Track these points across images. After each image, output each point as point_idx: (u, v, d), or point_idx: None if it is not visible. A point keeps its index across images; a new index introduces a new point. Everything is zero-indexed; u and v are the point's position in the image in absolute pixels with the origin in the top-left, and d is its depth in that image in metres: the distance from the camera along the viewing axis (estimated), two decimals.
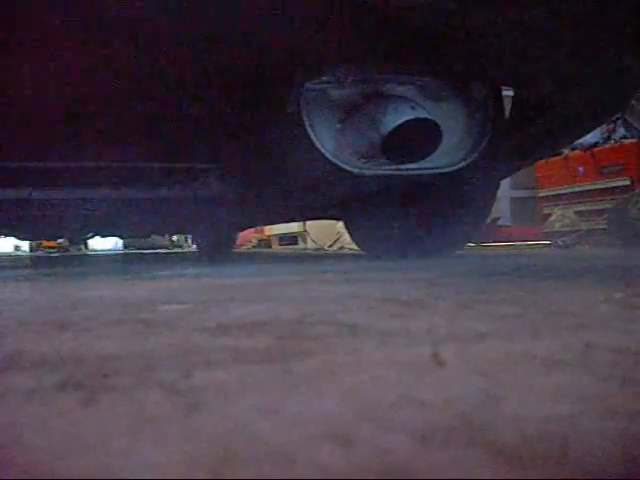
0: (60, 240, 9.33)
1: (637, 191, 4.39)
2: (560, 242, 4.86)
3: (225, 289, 1.38)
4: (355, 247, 4.08)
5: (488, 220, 4.06)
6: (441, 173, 2.21)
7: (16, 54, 1.70)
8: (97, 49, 1.69)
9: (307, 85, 1.95)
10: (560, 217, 5.60)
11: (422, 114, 1.95)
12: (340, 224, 5.21)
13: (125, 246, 11.10)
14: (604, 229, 4.60)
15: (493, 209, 3.39)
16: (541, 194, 6.22)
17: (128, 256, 5.74)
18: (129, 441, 0.37)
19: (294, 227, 7.10)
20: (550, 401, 0.43)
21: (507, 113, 2.30)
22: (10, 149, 2.31)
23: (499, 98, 2.26)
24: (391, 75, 2.02)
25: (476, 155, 2.19)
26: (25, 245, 11.16)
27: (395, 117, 1.93)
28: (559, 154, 5.64)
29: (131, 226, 4.68)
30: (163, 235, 8.68)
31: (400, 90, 2.03)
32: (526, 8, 1.54)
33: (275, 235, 7.97)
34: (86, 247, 10.85)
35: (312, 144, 1.99)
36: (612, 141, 5.40)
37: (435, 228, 3.05)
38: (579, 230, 5.12)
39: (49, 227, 3.97)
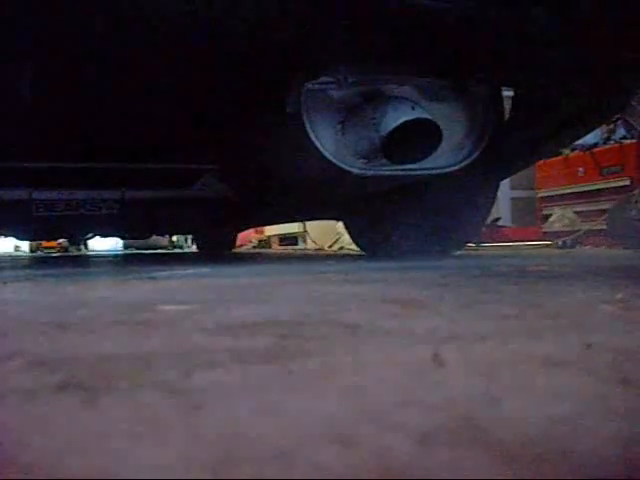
0: (60, 240, 9.33)
1: (637, 191, 4.39)
2: (560, 242, 4.86)
3: (225, 289, 1.38)
4: (355, 247, 4.08)
5: (488, 220, 4.06)
6: (441, 173, 2.21)
7: (16, 57, 1.70)
8: (97, 49, 1.69)
9: (307, 85, 1.95)
10: (560, 217, 5.60)
11: (422, 114, 1.95)
12: (340, 224, 5.21)
13: (125, 246, 11.09)
14: (604, 229, 4.60)
15: (493, 209, 3.39)
16: (541, 194, 6.23)
17: (128, 256, 5.74)
18: (129, 442, 0.37)
19: (294, 227, 7.10)
20: (551, 402, 0.43)
21: (507, 113, 2.30)
22: (11, 150, 2.31)
23: (499, 98, 2.26)
24: (391, 75, 2.02)
25: (476, 155, 2.19)
26: (25, 245, 11.15)
27: (395, 117, 1.93)
28: (559, 154, 5.64)
29: (131, 227, 4.69)
30: (163, 235, 8.68)
31: (400, 90, 2.03)
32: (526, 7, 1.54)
33: (275, 235, 7.97)
34: (86, 247, 10.84)
35: (312, 144, 1.99)
36: (612, 141, 5.41)
37: (435, 229, 3.05)
38: (579, 230, 5.12)
39: (49, 228, 3.98)
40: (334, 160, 2.03)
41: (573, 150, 5.64)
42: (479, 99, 2.16)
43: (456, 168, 2.20)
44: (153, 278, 1.82)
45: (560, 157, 5.75)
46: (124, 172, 2.57)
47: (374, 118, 1.97)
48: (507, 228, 6.25)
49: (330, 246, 6.26)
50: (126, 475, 0.32)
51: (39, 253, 10.02)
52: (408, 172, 2.17)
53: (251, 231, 7.74)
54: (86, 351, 0.64)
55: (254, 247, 8.33)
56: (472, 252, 4.05)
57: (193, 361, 0.58)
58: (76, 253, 9.28)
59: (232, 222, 4.67)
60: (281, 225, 6.80)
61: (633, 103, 4.44)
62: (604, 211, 4.82)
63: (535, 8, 1.55)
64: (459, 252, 3.35)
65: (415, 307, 0.96)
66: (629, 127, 5.32)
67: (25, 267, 3.43)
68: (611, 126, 5.37)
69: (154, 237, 8.09)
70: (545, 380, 0.49)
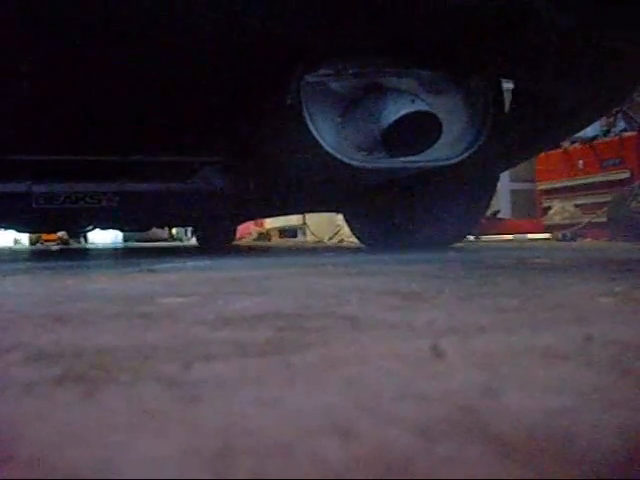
0: (60, 233, 9.34)
1: (637, 184, 4.39)
2: (560, 235, 4.86)
3: (225, 282, 1.38)
4: (354, 240, 4.08)
5: (488, 213, 4.06)
6: (441, 166, 2.21)
7: (17, 50, 1.70)
8: (96, 43, 1.68)
9: (307, 78, 1.95)
10: (560, 210, 5.60)
11: (422, 107, 1.94)
12: (340, 217, 5.21)
13: (125, 239, 11.10)
14: (604, 222, 4.60)
15: (493, 202, 3.39)
16: (541, 187, 6.23)
17: (128, 249, 5.74)
18: (129, 434, 0.37)
19: (294, 220, 7.11)
20: (550, 394, 0.43)
21: (507, 106, 2.29)
22: (11, 142, 2.31)
23: (499, 91, 2.25)
24: (391, 68, 2.01)
25: (476, 148, 2.18)
26: (25, 238, 11.15)
27: (395, 110, 1.93)
28: (559, 147, 5.63)
29: (131, 219, 4.69)
30: (163, 228, 8.68)
31: (400, 83, 2.03)
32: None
33: (275, 228, 7.97)
34: (86, 240, 10.86)
35: (312, 137, 1.99)
36: (612, 134, 5.40)
37: (435, 221, 3.05)
38: (579, 223, 5.12)
39: (49, 220, 3.97)
40: (334, 152, 2.03)
41: (573, 143, 5.64)
42: (479, 91, 2.15)
43: (456, 160, 2.19)
44: (153, 271, 1.82)
45: (560, 150, 5.74)
46: (124, 165, 2.57)
47: (374, 110, 1.96)
48: (507, 221, 6.25)
49: (330, 239, 6.26)
50: (126, 467, 0.32)
51: (39, 246, 10.03)
52: (408, 165, 2.17)
53: (251, 224, 7.74)
54: (85, 343, 0.65)
55: (254, 240, 8.34)
56: (472, 244, 4.06)
57: (193, 353, 0.58)
58: (76, 246, 9.28)
59: (232, 214, 4.67)
60: (281, 218, 6.80)
61: (633, 96, 4.44)
62: (604, 204, 4.82)
63: None
64: (459, 244, 3.35)
65: (415, 299, 0.96)
66: (629, 120, 5.31)
67: (25, 260, 3.44)
68: (611, 119, 5.36)
69: (154, 230, 8.10)
70: (545, 372, 0.49)
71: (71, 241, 10.04)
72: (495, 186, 3.11)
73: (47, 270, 2.03)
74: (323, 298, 1.01)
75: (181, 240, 10.79)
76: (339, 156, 2.04)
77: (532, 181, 6.56)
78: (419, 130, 1.96)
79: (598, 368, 0.50)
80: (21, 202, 2.70)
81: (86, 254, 4.50)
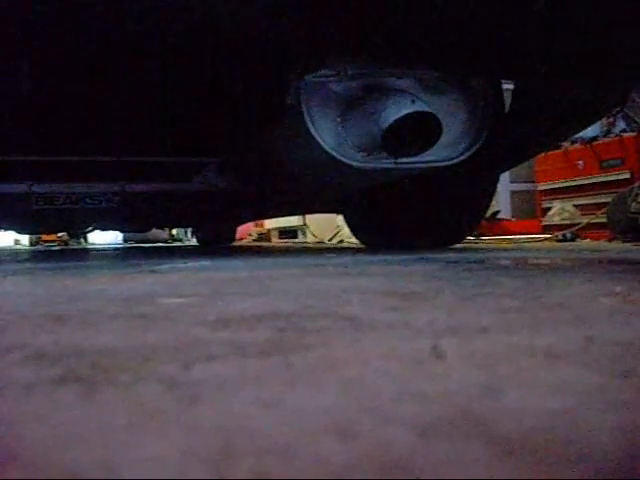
0: (60, 234, 9.33)
1: (637, 185, 4.39)
2: (560, 235, 4.86)
3: (225, 283, 1.38)
4: (354, 240, 4.08)
5: (488, 214, 4.06)
6: (441, 167, 2.21)
7: (16, 51, 1.70)
8: (96, 43, 1.68)
9: (307, 78, 1.95)
10: (560, 211, 5.60)
11: (422, 107, 1.94)
12: (340, 217, 5.21)
13: (125, 240, 11.07)
14: (604, 222, 4.60)
15: (493, 202, 3.39)
16: (541, 187, 6.22)
17: (128, 250, 5.74)
18: (129, 434, 0.37)
19: (294, 221, 7.09)
20: (551, 394, 0.43)
21: (507, 106, 2.30)
22: (11, 143, 2.31)
23: (499, 91, 2.25)
24: (391, 68, 2.02)
25: (476, 148, 2.18)
26: (25, 239, 11.14)
27: (395, 110, 1.93)
28: (559, 148, 5.63)
29: (131, 220, 4.69)
30: (163, 229, 8.67)
31: (400, 83, 2.03)
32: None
33: (275, 229, 7.96)
34: (86, 241, 10.84)
35: (312, 137, 1.99)
36: (612, 135, 5.40)
37: (434, 222, 3.05)
38: (579, 223, 5.11)
39: (49, 221, 3.97)
40: (334, 153, 2.03)
41: (573, 143, 5.64)
42: (479, 92, 2.15)
43: (456, 161, 2.19)
44: (153, 271, 1.82)
45: (560, 150, 5.74)
46: (124, 165, 2.57)
47: (374, 111, 1.96)
48: (507, 221, 6.25)
49: (330, 239, 6.26)
50: (126, 466, 0.32)
51: (39, 247, 10.01)
52: (408, 165, 2.17)
53: (251, 224, 7.73)
54: (85, 344, 0.64)
55: (254, 240, 8.33)
56: (472, 245, 4.05)
57: (193, 354, 0.58)
58: (76, 246, 9.28)
59: (232, 215, 4.67)
60: (281, 218, 6.79)
61: (633, 96, 4.43)
62: (604, 204, 4.81)
63: None
64: (459, 245, 3.35)
65: (415, 300, 0.96)
66: (629, 120, 5.31)
67: (25, 260, 3.43)
68: (611, 119, 5.36)
69: (154, 230, 8.09)
70: (545, 373, 0.49)
71: (71, 242, 10.03)
72: (495, 187, 3.11)
73: (47, 271, 2.03)
74: (323, 299, 1.01)
75: (181, 241, 10.77)
76: (339, 156, 2.04)
77: (532, 182, 6.56)
78: (419, 131, 1.96)
79: (599, 369, 0.50)
80: (21, 203, 2.70)
81: (86, 255, 4.50)
